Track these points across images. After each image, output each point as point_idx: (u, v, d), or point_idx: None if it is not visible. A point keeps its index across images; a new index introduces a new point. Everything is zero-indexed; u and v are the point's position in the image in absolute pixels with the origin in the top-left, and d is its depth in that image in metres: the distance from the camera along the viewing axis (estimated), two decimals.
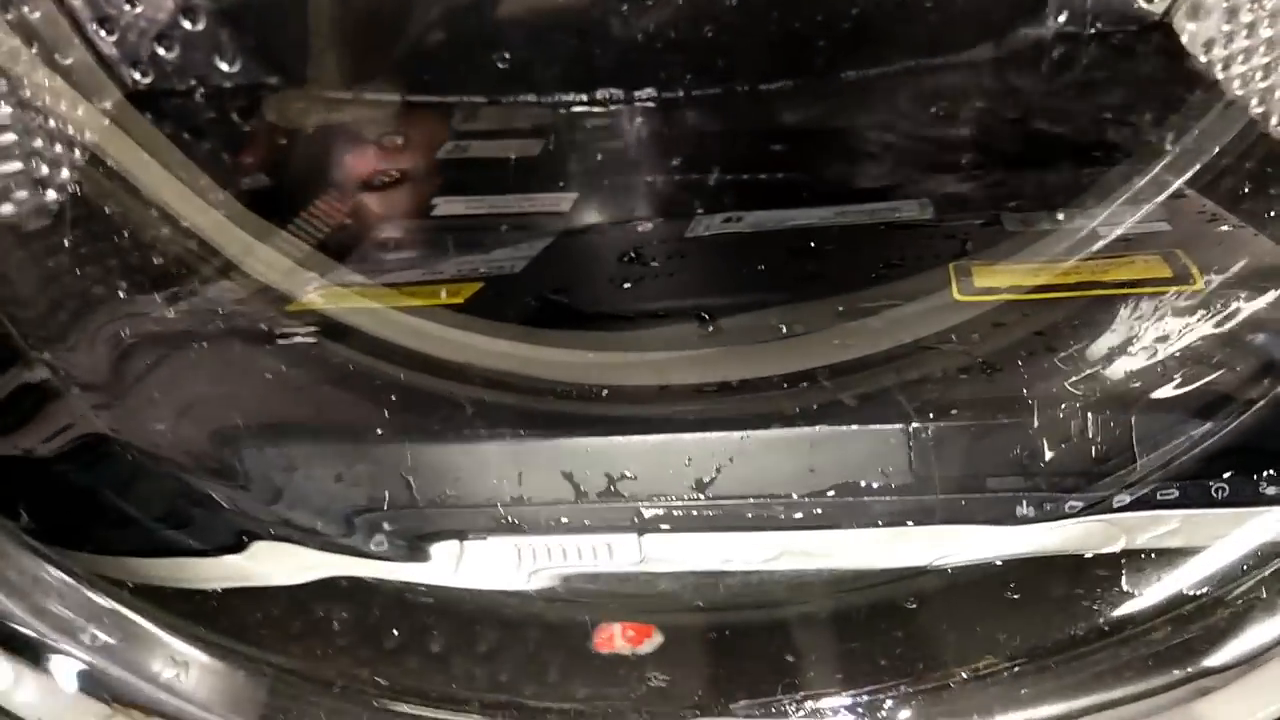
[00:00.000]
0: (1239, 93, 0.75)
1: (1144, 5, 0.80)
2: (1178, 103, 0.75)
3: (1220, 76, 0.76)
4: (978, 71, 0.81)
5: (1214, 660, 0.42)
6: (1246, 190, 0.58)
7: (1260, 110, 0.71)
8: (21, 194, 0.58)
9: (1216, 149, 0.60)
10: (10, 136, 0.59)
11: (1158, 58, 0.78)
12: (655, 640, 0.46)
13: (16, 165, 0.57)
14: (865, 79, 0.82)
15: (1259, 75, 0.73)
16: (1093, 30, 0.80)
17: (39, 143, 0.61)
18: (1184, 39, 0.78)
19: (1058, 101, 0.80)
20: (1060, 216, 0.62)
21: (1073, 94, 0.80)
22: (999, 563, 0.44)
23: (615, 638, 0.46)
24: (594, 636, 0.46)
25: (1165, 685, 0.42)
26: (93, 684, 0.43)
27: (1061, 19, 0.80)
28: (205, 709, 0.46)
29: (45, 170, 0.61)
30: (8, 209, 0.57)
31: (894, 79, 0.82)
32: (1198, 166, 0.60)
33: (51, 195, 0.60)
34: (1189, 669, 0.42)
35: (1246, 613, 0.41)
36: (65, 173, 0.64)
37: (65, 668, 0.42)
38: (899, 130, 0.81)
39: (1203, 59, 0.77)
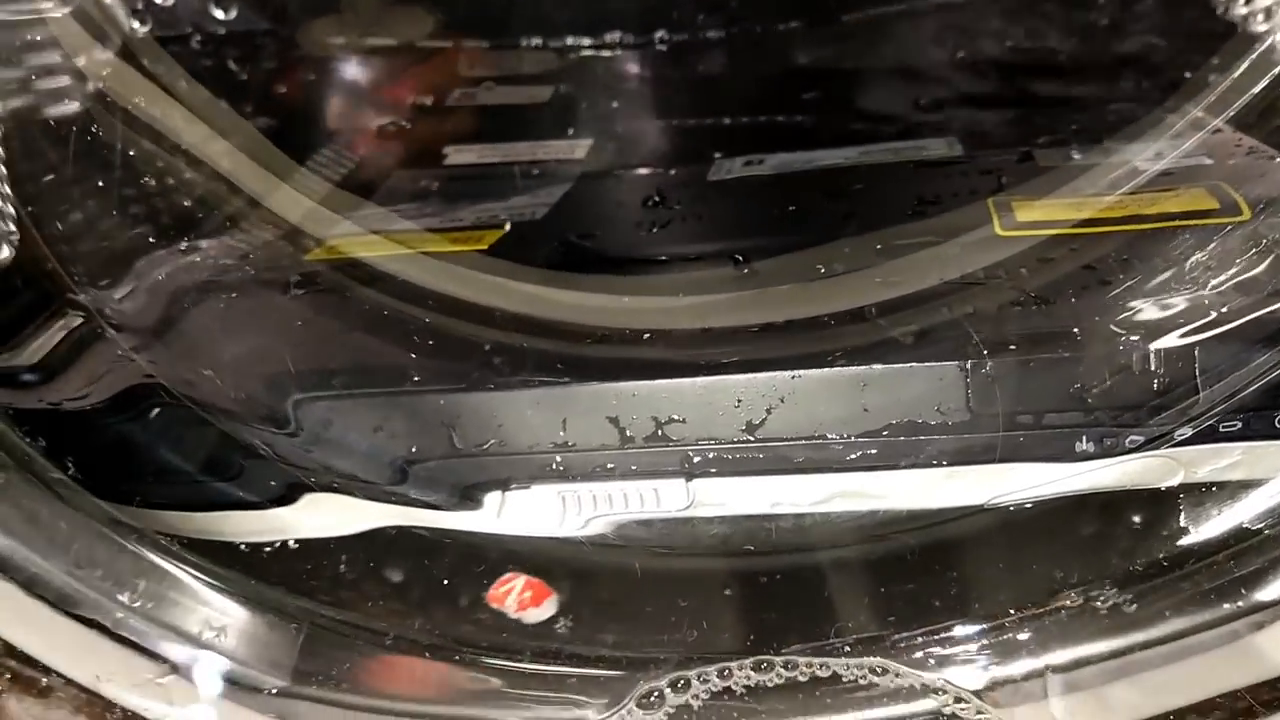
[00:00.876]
0: (1262, 28, 0.74)
1: None
2: (1210, 37, 0.74)
3: (1244, 11, 0.75)
4: (995, 4, 0.80)
5: (1267, 594, 0.42)
6: None
7: None
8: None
9: (1259, 87, 0.59)
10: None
11: None
12: (547, 610, 0.45)
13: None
14: (883, 16, 0.81)
15: None
16: None
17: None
18: None
19: (1087, 34, 0.79)
20: (1095, 151, 0.61)
21: (1102, 27, 0.79)
22: (1054, 499, 0.44)
23: (511, 594, 0.45)
24: (492, 587, 0.45)
25: (1221, 618, 0.42)
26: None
27: None
28: (245, 665, 0.45)
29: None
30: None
31: (914, 14, 0.80)
32: (1240, 105, 0.59)
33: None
34: (1241, 603, 0.42)
35: None
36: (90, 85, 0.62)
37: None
38: (922, 67, 0.79)
39: None
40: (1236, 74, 0.66)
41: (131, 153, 0.55)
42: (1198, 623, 0.42)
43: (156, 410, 0.47)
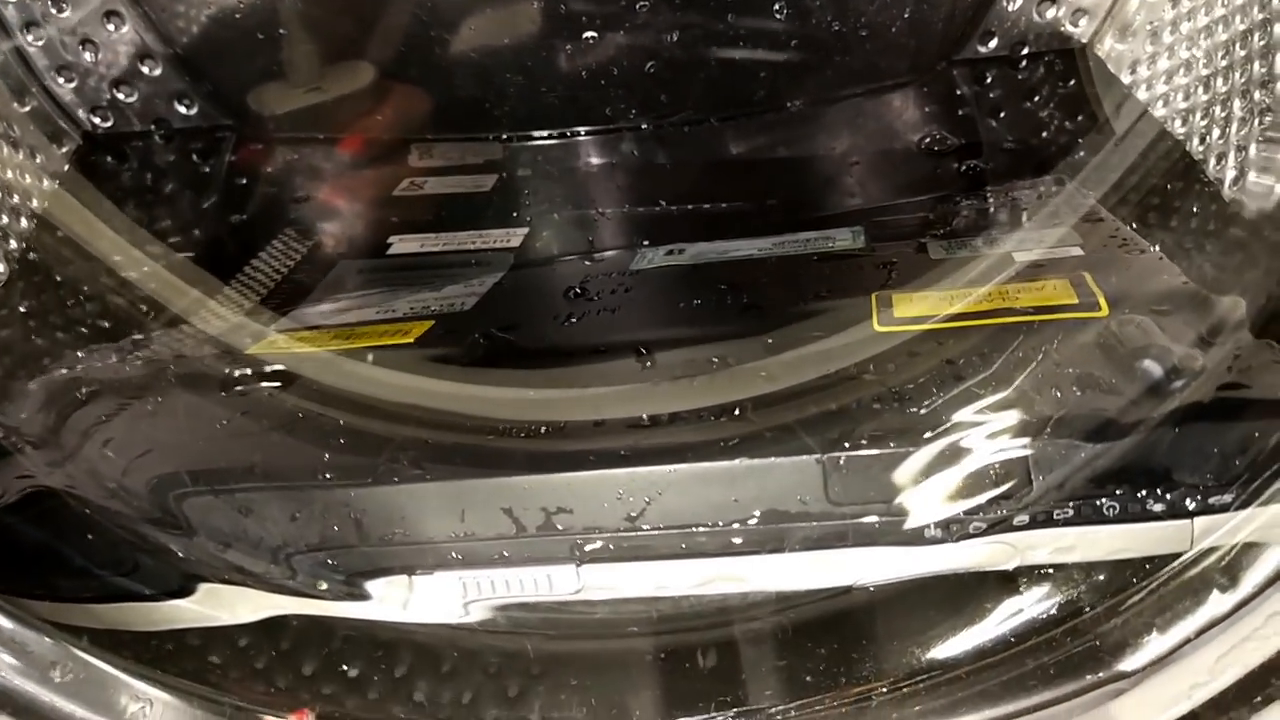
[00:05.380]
0: (1161, 112, 0.78)
1: (1069, 29, 0.84)
2: (1091, 126, 0.79)
3: (1144, 96, 0.80)
4: (913, 98, 0.85)
5: (1126, 664, 0.45)
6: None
7: (1182, 131, 0.75)
8: None
9: (1125, 167, 0.64)
10: None
11: (1078, 84, 0.82)
12: None
13: None
14: (805, 110, 0.86)
15: (1180, 96, 0.76)
16: (1021, 55, 0.84)
17: None
18: (1109, 61, 0.82)
19: (987, 125, 0.84)
20: (980, 242, 0.65)
21: (1003, 118, 0.84)
22: (911, 580, 0.47)
23: None
24: None
25: (1078, 690, 0.45)
26: None
27: (992, 45, 0.84)
28: None
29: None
30: None
31: (833, 108, 0.85)
32: (1108, 186, 0.64)
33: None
34: (1101, 673, 0.45)
35: (1141, 621, 0.44)
36: (13, 242, 0.67)
37: None
38: (838, 158, 0.84)
39: (1127, 79, 0.81)
40: (1112, 151, 0.71)
41: (56, 274, 0.59)
42: (1054, 695, 0.46)
43: (56, 509, 0.50)
